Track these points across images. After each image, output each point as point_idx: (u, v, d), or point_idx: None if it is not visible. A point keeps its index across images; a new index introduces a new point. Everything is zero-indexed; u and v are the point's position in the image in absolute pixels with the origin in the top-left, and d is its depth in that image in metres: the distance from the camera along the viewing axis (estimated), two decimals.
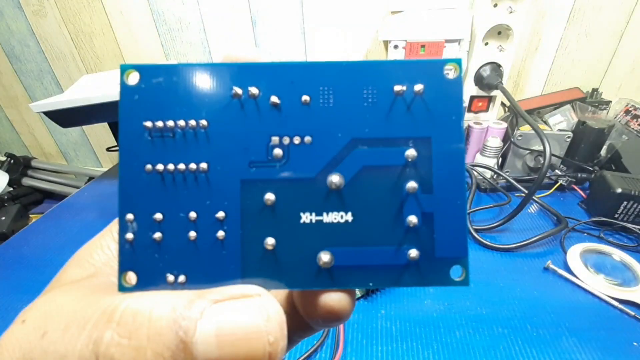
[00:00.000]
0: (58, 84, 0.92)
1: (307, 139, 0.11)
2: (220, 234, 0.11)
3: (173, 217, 0.11)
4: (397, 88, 0.11)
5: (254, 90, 0.11)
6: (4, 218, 0.83)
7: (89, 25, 0.81)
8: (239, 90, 0.11)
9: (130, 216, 0.11)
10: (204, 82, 0.11)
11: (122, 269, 0.11)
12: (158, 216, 0.11)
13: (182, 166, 0.11)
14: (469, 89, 0.63)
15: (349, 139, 0.11)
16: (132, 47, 0.83)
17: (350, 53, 0.77)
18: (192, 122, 0.11)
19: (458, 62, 0.11)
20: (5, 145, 1.06)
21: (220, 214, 0.11)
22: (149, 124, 0.11)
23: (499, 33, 0.60)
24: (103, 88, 0.57)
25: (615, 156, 0.59)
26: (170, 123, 0.11)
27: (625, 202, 0.47)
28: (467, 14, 0.59)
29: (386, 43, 0.62)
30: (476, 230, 0.49)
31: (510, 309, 0.37)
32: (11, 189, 0.95)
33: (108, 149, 0.85)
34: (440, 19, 0.59)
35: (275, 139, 0.11)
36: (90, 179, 0.93)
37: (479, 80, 0.62)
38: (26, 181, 0.97)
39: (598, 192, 0.51)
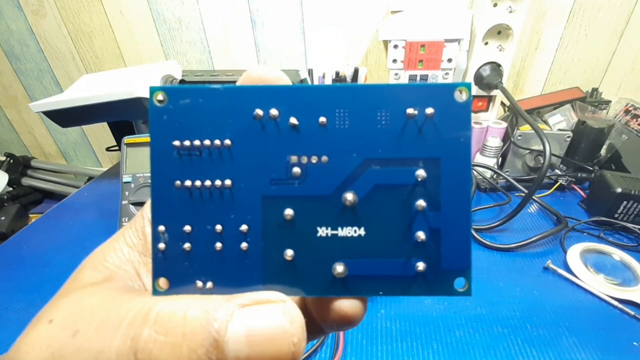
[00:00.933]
0: (58, 83, 0.91)
1: (324, 158, 0.12)
2: (244, 245, 0.12)
3: (201, 229, 0.12)
4: (410, 111, 0.12)
5: (274, 112, 0.12)
6: (3, 218, 0.82)
7: (88, 24, 0.81)
8: (260, 112, 0.12)
9: (162, 228, 0.12)
10: (227, 103, 0.12)
11: (156, 275, 0.12)
12: (187, 228, 0.12)
13: (208, 183, 0.12)
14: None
15: (363, 159, 0.12)
16: (131, 46, 0.83)
17: (350, 53, 0.77)
18: (217, 142, 0.12)
19: (468, 86, 0.12)
20: (5, 145, 1.06)
21: (244, 227, 0.12)
22: (177, 143, 0.12)
23: (499, 33, 0.60)
24: (103, 88, 0.57)
25: (615, 156, 0.59)
26: (197, 142, 0.12)
27: (625, 202, 0.47)
28: (466, 14, 0.59)
29: (386, 43, 0.62)
30: (476, 230, 0.49)
31: (510, 309, 0.37)
32: (11, 188, 0.95)
33: (108, 149, 0.85)
34: (440, 19, 0.59)
35: (294, 158, 0.12)
36: (90, 178, 0.93)
37: (478, 79, 0.62)
38: (26, 181, 0.97)
39: (598, 192, 0.51)
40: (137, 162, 0.47)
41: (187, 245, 0.12)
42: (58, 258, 0.48)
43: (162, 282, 0.12)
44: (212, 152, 0.12)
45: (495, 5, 0.57)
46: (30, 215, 0.91)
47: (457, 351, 0.33)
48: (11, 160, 0.98)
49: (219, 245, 0.12)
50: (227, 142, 0.12)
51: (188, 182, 0.12)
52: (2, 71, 0.91)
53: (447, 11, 0.60)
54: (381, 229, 0.12)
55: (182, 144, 0.12)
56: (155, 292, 0.12)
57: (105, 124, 0.82)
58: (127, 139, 0.47)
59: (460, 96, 0.12)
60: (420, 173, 0.12)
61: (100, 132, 0.98)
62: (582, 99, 0.67)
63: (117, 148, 0.78)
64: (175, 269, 0.12)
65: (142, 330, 0.10)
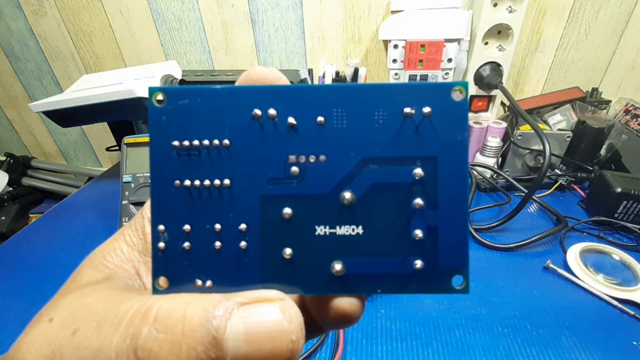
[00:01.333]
0: (58, 83, 0.91)
1: (322, 157, 0.12)
2: (243, 244, 0.12)
3: (200, 228, 0.12)
4: (407, 110, 0.12)
5: (272, 111, 0.12)
6: (3, 218, 0.82)
7: (88, 24, 0.81)
8: (259, 112, 0.12)
9: (161, 227, 0.12)
10: (226, 103, 0.12)
11: (155, 274, 0.12)
12: (187, 227, 0.12)
13: (207, 182, 0.12)
14: (469, 89, 0.63)
15: (360, 158, 0.12)
16: (131, 46, 0.83)
17: (350, 53, 0.77)
18: (216, 142, 0.12)
19: (464, 85, 0.12)
20: (5, 145, 1.06)
21: (243, 226, 0.12)
22: (176, 143, 0.12)
23: (499, 32, 0.60)
24: (103, 88, 0.57)
25: (615, 155, 0.59)
26: (196, 142, 0.12)
27: (625, 202, 0.47)
28: (466, 14, 0.59)
29: (386, 42, 0.62)
30: (476, 230, 0.49)
31: (510, 309, 0.37)
32: (11, 188, 0.95)
33: (108, 149, 0.85)
34: (440, 19, 0.59)
35: (292, 158, 0.12)
36: (90, 178, 0.93)
37: (478, 79, 0.62)
38: (26, 181, 0.97)
39: (598, 192, 0.51)
40: (137, 162, 0.47)
41: (186, 245, 0.12)
42: (58, 258, 0.48)
43: (162, 281, 0.12)
44: (211, 152, 0.12)
45: (495, 5, 0.57)
46: (30, 215, 0.91)
47: (457, 351, 0.33)
48: (11, 160, 0.98)
49: (218, 244, 0.12)
50: (226, 142, 0.12)
51: (187, 182, 0.12)
52: (2, 71, 0.91)
53: (447, 11, 0.60)
54: (379, 227, 0.12)
55: (181, 144, 0.12)
56: (155, 290, 0.12)
57: (105, 124, 0.82)
58: (127, 139, 0.47)
59: (457, 95, 0.12)
60: (418, 172, 0.12)
61: (100, 132, 0.98)
62: (582, 99, 0.67)
63: (117, 148, 0.78)
64: (174, 268, 0.12)
65: (141, 328, 0.10)
